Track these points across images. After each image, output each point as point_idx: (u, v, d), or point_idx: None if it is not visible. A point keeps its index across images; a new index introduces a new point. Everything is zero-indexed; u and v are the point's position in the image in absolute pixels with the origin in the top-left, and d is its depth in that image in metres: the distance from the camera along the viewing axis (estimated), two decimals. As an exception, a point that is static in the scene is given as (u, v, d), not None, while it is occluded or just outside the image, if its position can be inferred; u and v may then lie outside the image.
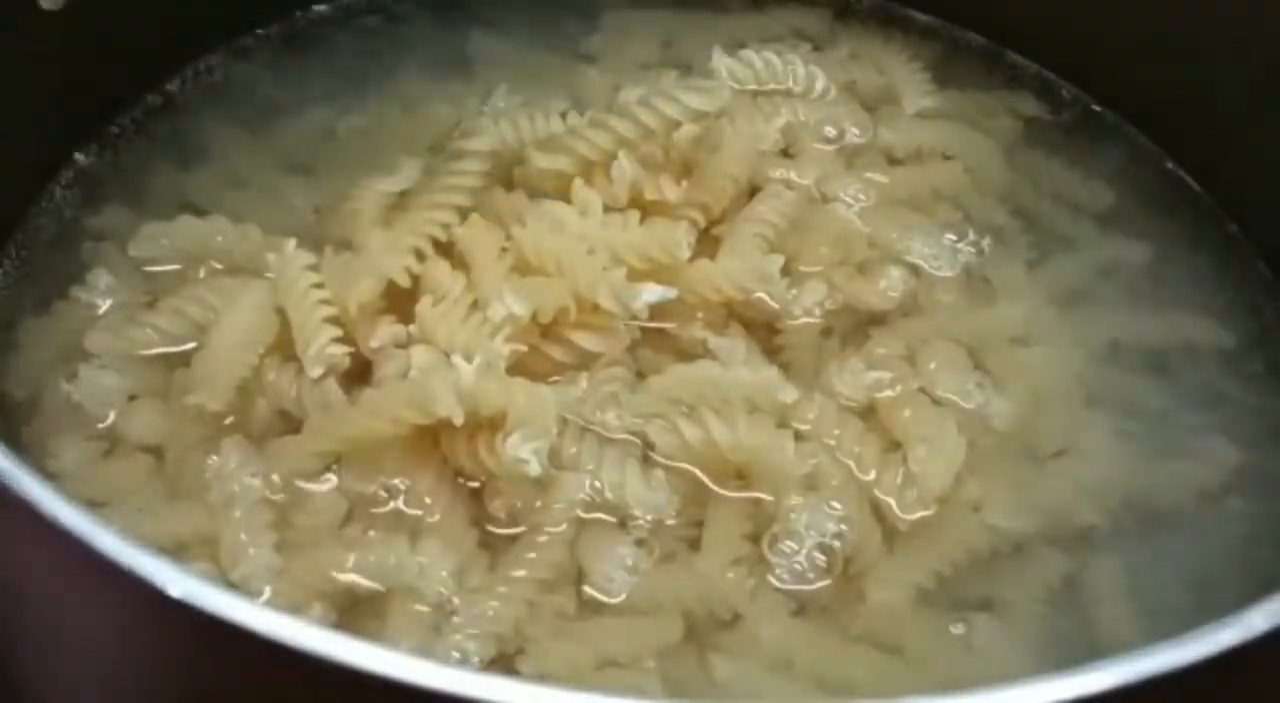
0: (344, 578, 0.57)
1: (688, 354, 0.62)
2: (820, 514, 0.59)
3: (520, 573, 0.57)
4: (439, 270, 0.61)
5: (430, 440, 0.59)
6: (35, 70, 0.66)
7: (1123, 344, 0.68)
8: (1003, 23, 0.80)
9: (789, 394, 0.61)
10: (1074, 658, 0.42)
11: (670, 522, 0.59)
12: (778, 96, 0.73)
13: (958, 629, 0.58)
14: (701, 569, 0.58)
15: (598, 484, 0.59)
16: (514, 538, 0.58)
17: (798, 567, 0.58)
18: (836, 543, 0.59)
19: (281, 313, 0.61)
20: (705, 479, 0.60)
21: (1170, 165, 0.76)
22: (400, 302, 0.61)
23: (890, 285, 0.67)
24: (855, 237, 0.68)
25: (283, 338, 0.61)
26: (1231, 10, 0.71)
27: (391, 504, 0.59)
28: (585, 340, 0.61)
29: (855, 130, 0.74)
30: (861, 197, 0.70)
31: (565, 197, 0.63)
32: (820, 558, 0.58)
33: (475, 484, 0.59)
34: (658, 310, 0.61)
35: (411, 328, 0.60)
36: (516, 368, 0.59)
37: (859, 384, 0.63)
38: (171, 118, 0.74)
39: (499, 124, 0.66)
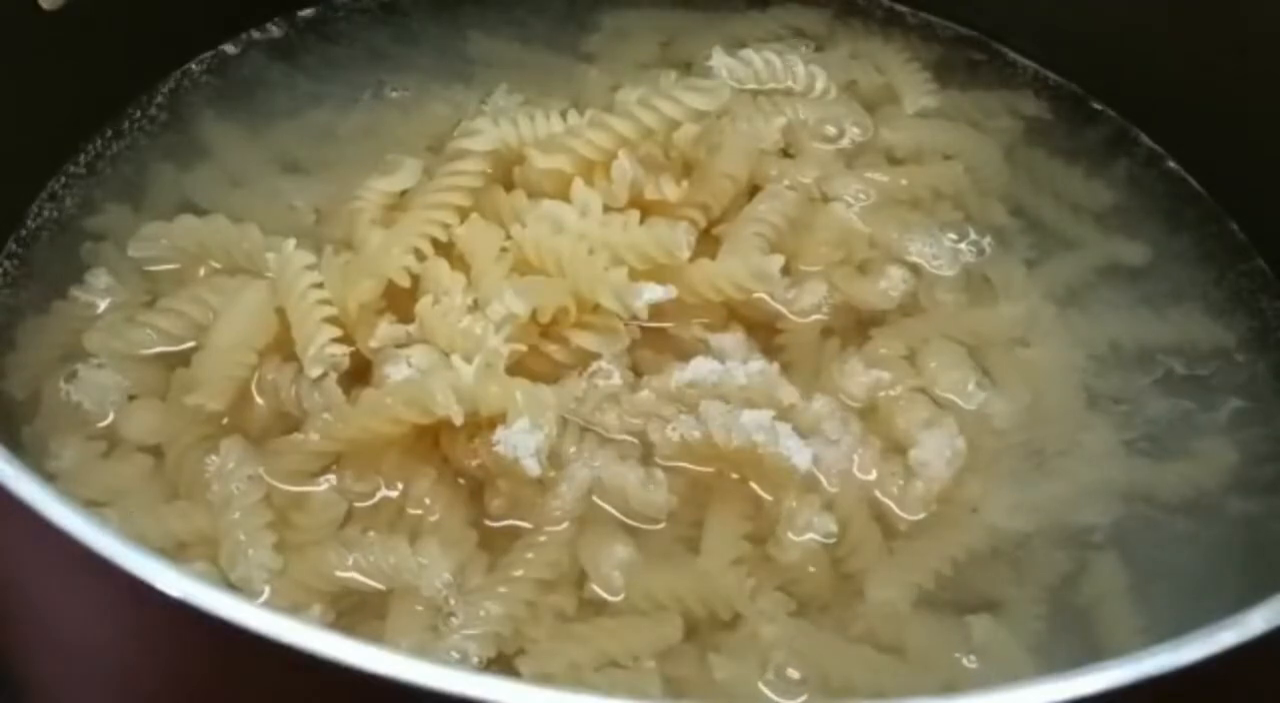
0: (344, 578, 0.57)
1: (687, 354, 0.62)
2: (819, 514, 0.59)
3: (520, 573, 0.57)
4: (439, 270, 0.61)
5: (430, 440, 0.59)
6: (35, 70, 0.66)
7: (1123, 344, 0.68)
8: (1003, 22, 0.80)
9: (789, 394, 0.61)
10: (1074, 658, 0.42)
11: (670, 522, 0.59)
12: (778, 96, 0.73)
13: (957, 629, 0.58)
14: (701, 569, 0.58)
15: (597, 484, 0.59)
16: (514, 538, 0.58)
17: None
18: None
19: (281, 313, 0.61)
20: (705, 480, 0.60)
21: (1171, 165, 0.76)
22: (400, 302, 0.61)
23: (890, 285, 0.67)
24: (855, 236, 0.68)
25: (283, 338, 0.61)
26: (1232, 10, 0.71)
27: (391, 505, 0.59)
28: (585, 340, 0.61)
29: (855, 130, 0.73)
30: (862, 196, 0.70)
31: (565, 196, 0.63)
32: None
33: (475, 484, 0.59)
34: (658, 310, 0.61)
35: (411, 328, 0.60)
36: (516, 368, 0.59)
37: (859, 384, 0.63)
38: (171, 118, 0.74)
39: (499, 124, 0.66)
